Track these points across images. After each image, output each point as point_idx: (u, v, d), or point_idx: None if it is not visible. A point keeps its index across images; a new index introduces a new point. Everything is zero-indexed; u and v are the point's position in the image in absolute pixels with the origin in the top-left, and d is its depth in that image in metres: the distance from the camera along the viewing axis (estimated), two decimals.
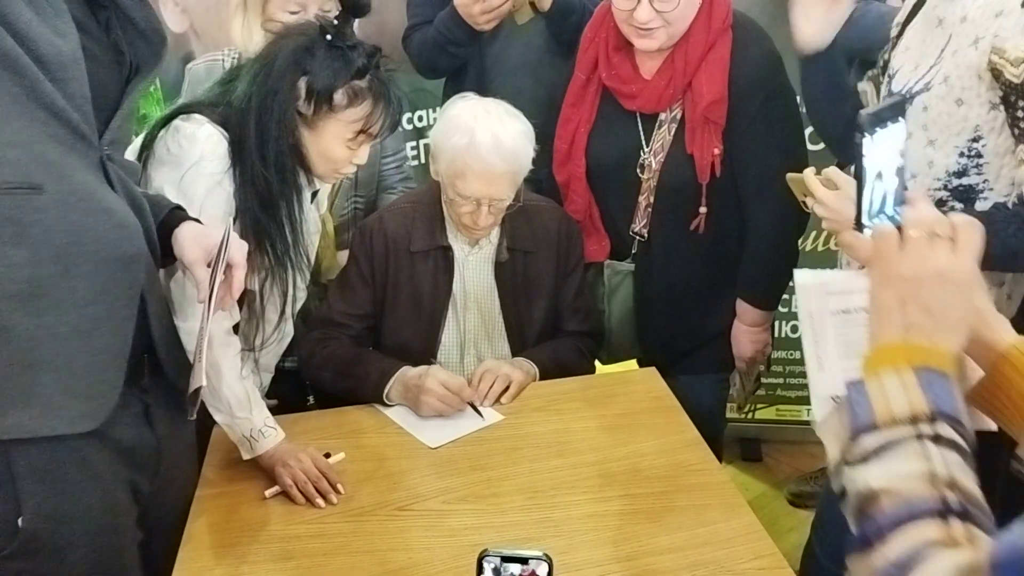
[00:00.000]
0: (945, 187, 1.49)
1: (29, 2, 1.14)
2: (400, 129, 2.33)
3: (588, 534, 1.49)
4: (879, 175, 0.91)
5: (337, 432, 1.81)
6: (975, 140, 1.44)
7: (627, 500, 1.57)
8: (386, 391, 1.87)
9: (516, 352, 2.03)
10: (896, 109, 0.94)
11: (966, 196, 1.47)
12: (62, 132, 1.18)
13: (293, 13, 1.96)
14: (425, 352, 1.97)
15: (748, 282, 2.05)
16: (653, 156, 2.00)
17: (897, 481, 0.72)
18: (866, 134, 0.89)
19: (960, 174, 1.47)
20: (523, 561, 1.07)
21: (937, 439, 0.74)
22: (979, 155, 1.44)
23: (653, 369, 2.00)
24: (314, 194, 1.79)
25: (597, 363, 2.25)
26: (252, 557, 1.47)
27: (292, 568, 1.45)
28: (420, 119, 2.69)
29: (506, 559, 1.06)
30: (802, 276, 0.99)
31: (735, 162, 1.94)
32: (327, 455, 1.69)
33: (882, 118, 0.91)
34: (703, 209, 1.99)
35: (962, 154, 1.45)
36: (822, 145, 2.10)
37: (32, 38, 1.13)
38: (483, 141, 1.82)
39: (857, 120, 0.89)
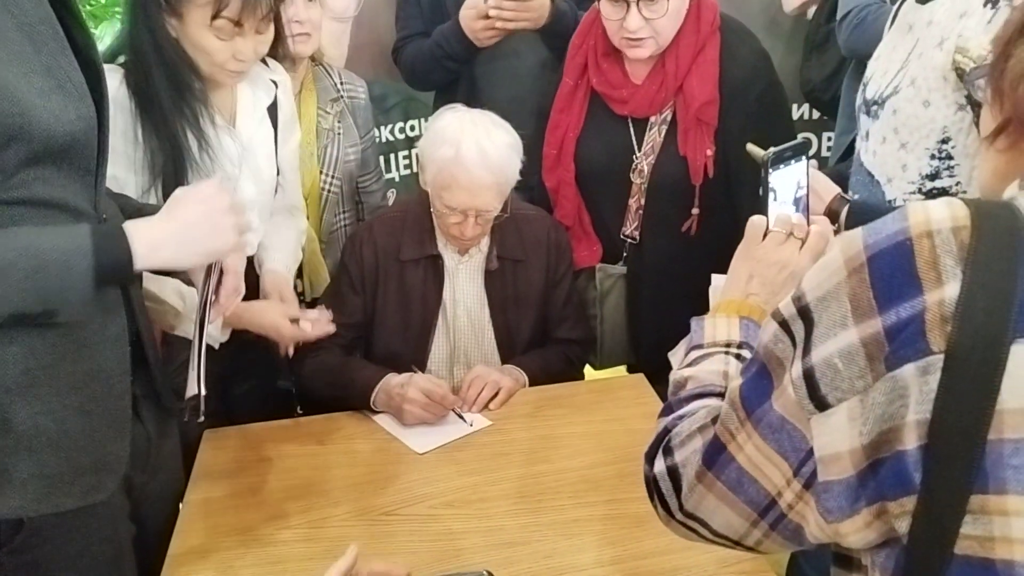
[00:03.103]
0: (919, 190, 1.50)
1: (58, 89, 1.16)
2: (374, 142, 2.35)
3: (573, 539, 1.50)
4: (779, 199, 1.14)
5: (326, 438, 1.82)
6: (944, 142, 1.46)
7: (613, 505, 1.58)
8: (372, 399, 1.88)
9: (505, 360, 2.04)
10: (798, 149, 1.16)
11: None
12: (70, 221, 1.21)
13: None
14: (415, 361, 1.99)
15: None
16: (644, 158, 2.02)
17: (701, 372, 0.98)
18: (770, 168, 1.12)
19: (933, 176, 1.49)
20: None
21: (738, 356, 0.99)
22: (949, 156, 1.46)
23: (641, 376, 2.01)
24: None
25: (588, 368, 2.27)
26: (240, 561, 1.48)
27: (279, 572, 1.46)
28: (412, 128, 2.71)
29: None
30: (717, 279, 1.24)
31: (731, 161, 1.96)
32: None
33: (784, 156, 1.13)
34: (695, 210, 2.01)
35: (933, 156, 1.47)
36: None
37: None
38: (469, 153, 1.84)
39: (763, 156, 1.14)
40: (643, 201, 2.05)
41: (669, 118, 2.00)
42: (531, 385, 1.99)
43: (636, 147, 2.04)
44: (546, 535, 1.51)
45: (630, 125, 2.04)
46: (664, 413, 0.97)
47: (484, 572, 1.02)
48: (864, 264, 0.70)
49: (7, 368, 1.17)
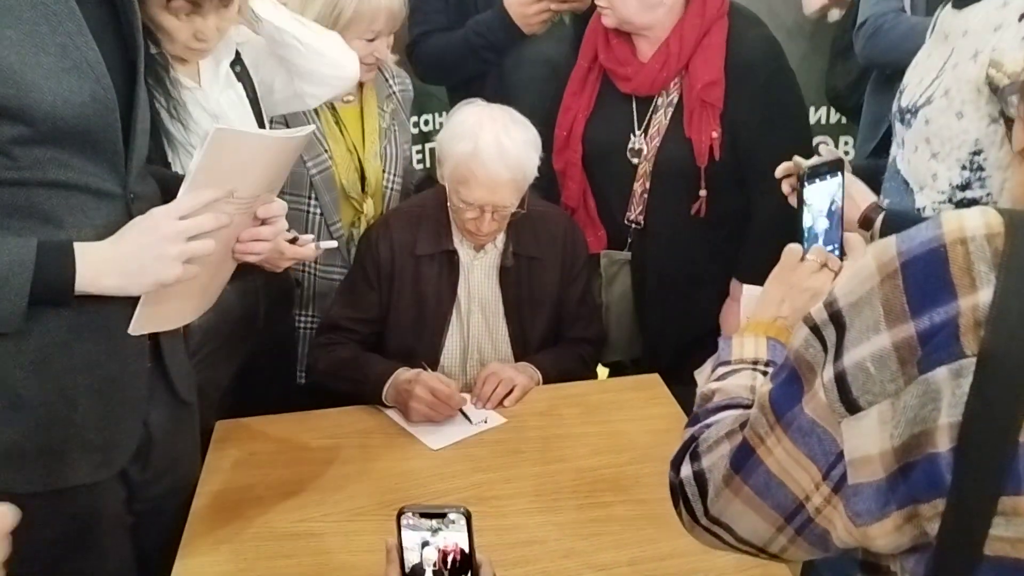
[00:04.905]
0: (950, 200, 1.50)
1: (72, 69, 1.15)
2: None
3: (590, 539, 1.49)
4: (813, 212, 1.17)
5: (340, 432, 1.81)
6: (976, 153, 1.45)
7: (630, 506, 1.57)
8: (383, 394, 1.87)
9: (519, 358, 2.03)
10: (834, 165, 1.18)
11: None
12: (101, 206, 1.21)
13: (369, 40, 2.01)
14: (429, 356, 1.97)
15: (750, 261, 2.04)
16: (649, 141, 2.04)
17: (728, 386, 1.00)
18: (805, 183, 1.15)
19: (963, 187, 1.48)
20: (441, 516, 1.05)
21: (765, 374, 1.00)
22: (981, 168, 1.46)
23: (656, 376, 2.00)
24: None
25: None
26: (252, 554, 1.47)
27: (293, 566, 1.45)
28: (426, 123, 2.70)
29: (424, 515, 1.05)
30: (749, 290, 1.25)
31: (740, 144, 1.97)
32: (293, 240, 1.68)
33: (820, 172, 1.17)
34: (703, 192, 2.02)
35: (964, 167, 1.47)
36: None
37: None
38: (487, 149, 1.83)
39: (799, 171, 1.16)
40: (648, 185, 2.06)
41: (676, 100, 2.02)
42: (544, 383, 1.97)
43: (636, 126, 2.05)
44: (563, 534, 1.50)
45: (633, 105, 2.06)
46: (691, 423, 0.98)
47: (463, 508, 1.05)
48: (898, 270, 0.71)
49: (21, 345, 1.17)
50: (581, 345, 2.10)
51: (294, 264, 1.78)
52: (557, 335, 2.09)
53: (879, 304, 0.71)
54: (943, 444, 0.68)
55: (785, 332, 1.08)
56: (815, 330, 0.77)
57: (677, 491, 0.92)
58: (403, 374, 1.86)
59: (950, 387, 0.67)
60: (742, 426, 0.85)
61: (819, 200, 1.16)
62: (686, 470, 0.90)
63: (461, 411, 1.83)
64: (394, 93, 2.20)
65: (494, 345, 2.04)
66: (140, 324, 1.26)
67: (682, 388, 1.95)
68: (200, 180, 1.20)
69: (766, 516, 0.83)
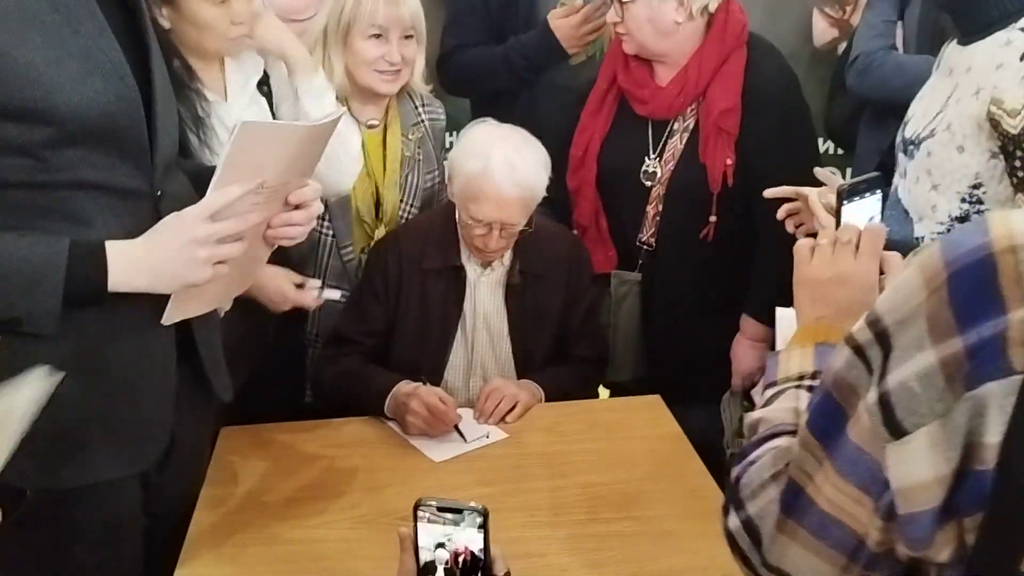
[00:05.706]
0: (948, 231, 1.52)
1: (97, 70, 1.17)
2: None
3: (590, 554, 1.50)
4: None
5: (343, 441, 1.82)
6: (976, 187, 1.49)
7: (629, 523, 1.58)
8: (384, 406, 1.88)
9: (522, 375, 2.04)
10: (872, 183, 1.16)
11: None
12: (129, 205, 1.23)
13: (375, 36, 1.99)
14: (433, 371, 1.99)
15: (756, 295, 2.08)
16: (664, 164, 2.06)
17: (772, 412, 0.93)
18: (844, 201, 1.13)
19: (963, 219, 1.51)
20: (458, 511, 1.07)
21: (810, 388, 0.93)
22: (980, 201, 1.49)
23: (658, 397, 2.01)
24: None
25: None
26: (254, 559, 1.48)
27: (293, 572, 1.46)
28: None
29: (441, 508, 1.06)
30: (782, 312, 1.23)
31: (750, 175, 1.99)
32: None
33: (858, 190, 1.15)
34: (713, 218, 2.04)
35: (964, 200, 1.50)
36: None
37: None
38: (497, 167, 1.86)
39: (838, 188, 1.14)
40: (661, 208, 2.08)
41: (692, 126, 2.05)
42: (546, 401, 1.98)
43: (651, 150, 2.08)
44: (563, 549, 1.51)
45: (649, 128, 2.08)
46: (736, 461, 0.92)
47: (481, 506, 1.06)
48: (945, 282, 0.67)
49: (59, 347, 1.18)
50: (584, 364, 2.11)
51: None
52: (560, 354, 2.10)
53: (924, 319, 0.67)
54: (991, 460, 0.65)
55: (834, 331, 1.01)
56: (858, 351, 0.72)
57: (731, 540, 0.87)
58: (403, 387, 1.87)
59: (998, 403, 0.64)
60: (787, 465, 0.81)
61: (857, 218, 1.14)
62: (733, 521, 0.85)
63: (456, 428, 1.83)
64: (422, 122, 2.18)
65: (497, 362, 2.05)
66: (172, 315, 1.28)
67: (684, 409, 1.97)
68: (228, 175, 1.21)
69: (828, 558, 0.77)
